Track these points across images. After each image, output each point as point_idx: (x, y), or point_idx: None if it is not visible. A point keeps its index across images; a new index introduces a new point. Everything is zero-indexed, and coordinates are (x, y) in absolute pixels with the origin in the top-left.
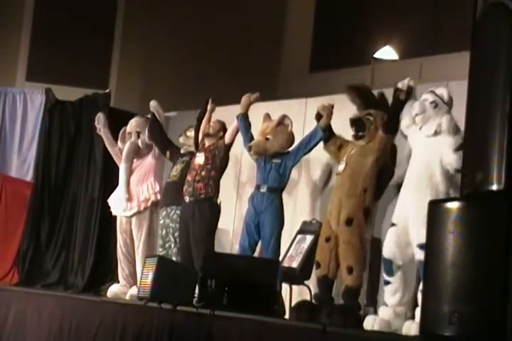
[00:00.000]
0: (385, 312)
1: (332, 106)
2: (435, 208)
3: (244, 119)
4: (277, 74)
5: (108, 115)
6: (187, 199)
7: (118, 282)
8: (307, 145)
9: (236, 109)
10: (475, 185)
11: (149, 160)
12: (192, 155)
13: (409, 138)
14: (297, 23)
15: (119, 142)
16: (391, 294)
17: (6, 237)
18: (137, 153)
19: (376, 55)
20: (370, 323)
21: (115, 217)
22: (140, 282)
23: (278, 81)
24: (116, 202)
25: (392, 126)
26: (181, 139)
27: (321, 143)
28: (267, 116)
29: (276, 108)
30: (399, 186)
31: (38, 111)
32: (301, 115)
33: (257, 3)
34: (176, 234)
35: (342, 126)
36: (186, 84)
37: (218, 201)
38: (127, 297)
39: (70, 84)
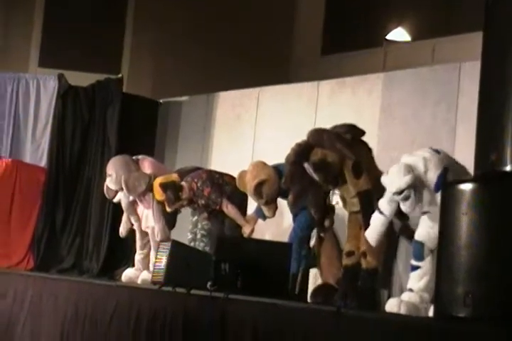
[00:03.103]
0: (410, 297)
1: None
2: (448, 190)
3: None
4: (289, 58)
5: (121, 100)
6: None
7: (133, 266)
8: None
9: (248, 93)
10: (488, 166)
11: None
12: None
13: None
14: (308, 6)
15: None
16: (418, 279)
17: (21, 223)
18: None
19: (388, 37)
20: (394, 306)
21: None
22: (154, 266)
23: (290, 64)
24: None
25: None
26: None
27: None
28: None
29: (288, 91)
30: None
31: (51, 97)
32: (313, 98)
33: None
34: (205, 222)
35: (354, 110)
36: (198, 69)
37: None
38: (139, 281)
39: (83, 69)
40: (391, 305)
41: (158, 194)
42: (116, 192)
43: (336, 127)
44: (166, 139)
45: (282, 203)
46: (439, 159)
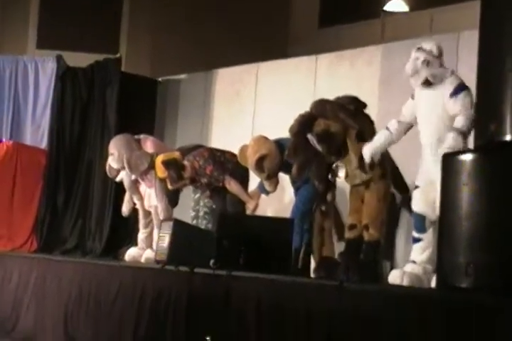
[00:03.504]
0: (413, 268)
1: None
2: (449, 161)
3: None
4: (287, 32)
5: (119, 80)
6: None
7: (136, 245)
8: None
9: (246, 69)
10: (488, 136)
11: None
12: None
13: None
14: None
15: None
16: (421, 251)
17: (24, 205)
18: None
19: (386, 8)
20: (397, 277)
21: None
22: (157, 245)
23: (288, 39)
24: None
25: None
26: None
27: None
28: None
29: (287, 66)
30: None
31: (50, 79)
32: (311, 71)
33: None
34: (207, 199)
35: (353, 82)
36: (196, 46)
37: None
38: (142, 260)
39: (81, 50)
40: (394, 277)
41: (161, 171)
42: (118, 171)
43: (338, 99)
44: (165, 117)
45: (284, 178)
46: None
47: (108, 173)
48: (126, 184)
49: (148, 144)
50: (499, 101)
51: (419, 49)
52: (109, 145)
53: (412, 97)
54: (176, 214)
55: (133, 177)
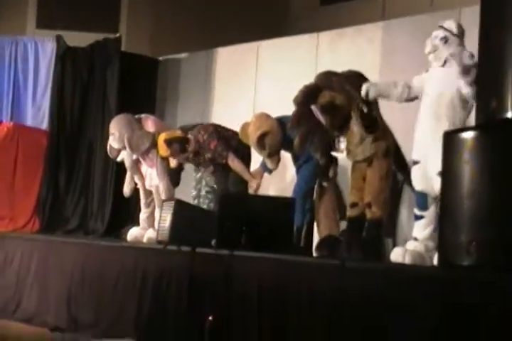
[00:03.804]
0: (415, 246)
1: None
2: (450, 139)
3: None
4: (287, 10)
5: (119, 59)
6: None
7: (138, 225)
8: None
9: (247, 48)
10: (490, 113)
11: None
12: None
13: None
14: None
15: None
16: (423, 228)
17: (25, 186)
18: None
19: None
20: (399, 255)
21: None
22: (159, 225)
23: (289, 16)
24: None
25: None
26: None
27: None
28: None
29: (288, 44)
30: None
31: (50, 59)
32: (313, 49)
33: None
34: (209, 178)
35: (356, 60)
36: (196, 25)
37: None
38: (144, 240)
39: (81, 29)
40: (396, 255)
41: (163, 150)
42: (119, 151)
43: (343, 72)
44: (166, 97)
45: (286, 157)
46: None
47: (109, 153)
48: (127, 164)
49: (150, 123)
50: (500, 78)
51: (440, 27)
52: (110, 125)
53: (426, 70)
54: (178, 193)
55: (134, 156)
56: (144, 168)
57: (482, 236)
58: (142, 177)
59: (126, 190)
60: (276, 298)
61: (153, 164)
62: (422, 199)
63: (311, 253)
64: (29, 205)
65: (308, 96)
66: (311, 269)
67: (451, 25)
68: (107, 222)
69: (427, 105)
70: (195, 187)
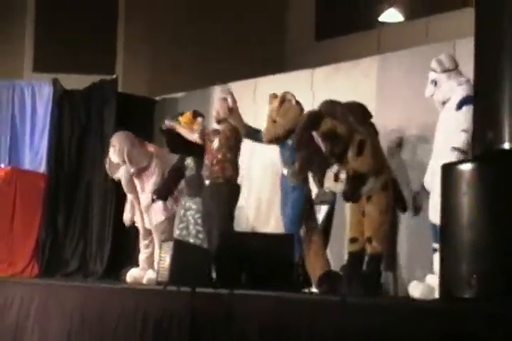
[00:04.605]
0: (432, 280)
1: None
2: (448, 171)
3: None
4: (283, 46)
5: (116, 100)
6: (206, 182)
7: (137, 266)
8: None
9: (244, 84)
10: (486, 144)
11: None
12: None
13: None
14: None
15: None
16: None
17: (24, 230)
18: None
19: (381, 19)
20: (416, 289)
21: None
22: (158, 266)
23: (285, 52)
24: None
25: None
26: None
27: None
28: (273, 97)
29: (283, 80)
30: None
31: (47, 102)
32: (308, 85)
33: None
34: (197, 215)
35: (351, 94)
36: (193, 64)
37: (238, 181)
38: (144, 281)
39: (78, 71)
40: (413, 289)
41: (187, 118)
42: (118, 167)
43: (348, 103)
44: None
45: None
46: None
47: (108, 171)
48: (123, 181)
49: (149, 145)
50: (496, 109)
51: (431, 69)
52: (112, 139)
53: None
54: None
55: (132, 170)
56: (138, 186)
57: (483, 268)
58: (137, 197)
59: (126, 219)
60: (277, 337)
61: (147, 184)
62: (435, 231)
63: (311, 287)
64: (28, 249)
65: (310, 122)
66: (312, 306)
67: (438, 62)
68: (105, 263)
69: (438, 139)
70: (181, 219)
